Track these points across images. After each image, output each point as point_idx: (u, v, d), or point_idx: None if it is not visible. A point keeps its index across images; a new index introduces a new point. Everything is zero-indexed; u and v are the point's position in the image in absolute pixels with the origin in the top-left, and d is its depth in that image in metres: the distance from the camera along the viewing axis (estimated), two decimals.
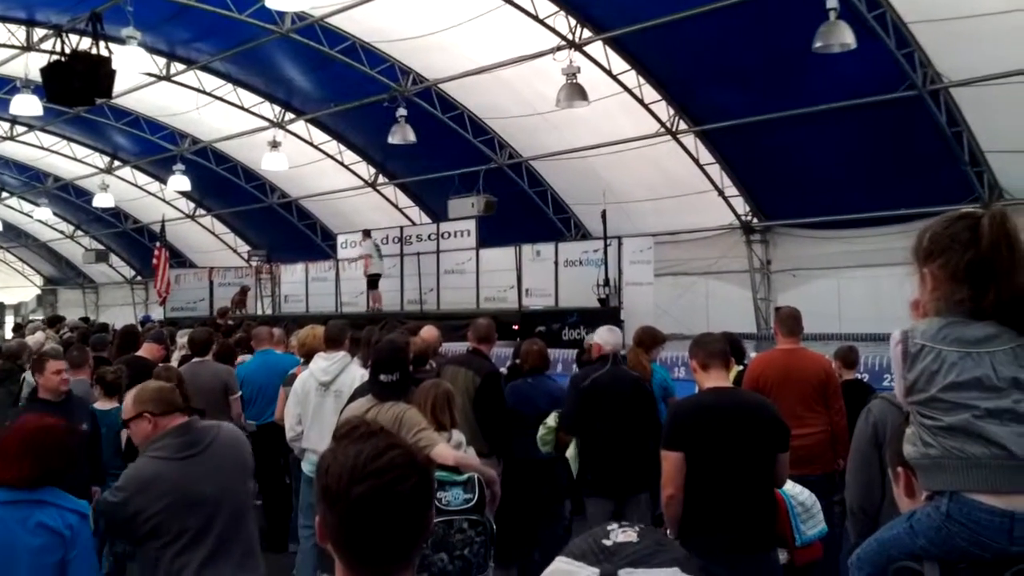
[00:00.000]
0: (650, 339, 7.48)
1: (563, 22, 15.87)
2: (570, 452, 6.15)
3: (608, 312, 15.68)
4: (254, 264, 25.93)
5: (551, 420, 6.36)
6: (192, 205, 29.36)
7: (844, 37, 12.46)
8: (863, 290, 15.74)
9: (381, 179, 23.90)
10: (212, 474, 3.77)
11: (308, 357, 7.31)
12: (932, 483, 2.32)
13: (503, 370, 7.89)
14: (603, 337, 6.46)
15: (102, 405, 6.48)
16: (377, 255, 19.04)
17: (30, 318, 32.73)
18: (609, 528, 1.31)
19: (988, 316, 2.32)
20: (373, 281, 18.95)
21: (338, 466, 1.61)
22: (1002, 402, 2.27)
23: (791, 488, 4.60)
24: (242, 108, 21.96)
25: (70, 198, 30.75)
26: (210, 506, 3.73)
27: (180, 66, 20.43)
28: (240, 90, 21.45)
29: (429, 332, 7.97)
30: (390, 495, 1.59)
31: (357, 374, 6.53)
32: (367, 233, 19.89)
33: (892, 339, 2.42)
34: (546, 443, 6.40)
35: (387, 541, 1.62)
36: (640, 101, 17.12)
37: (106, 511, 3.78)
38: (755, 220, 18.55)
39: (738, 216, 18.58)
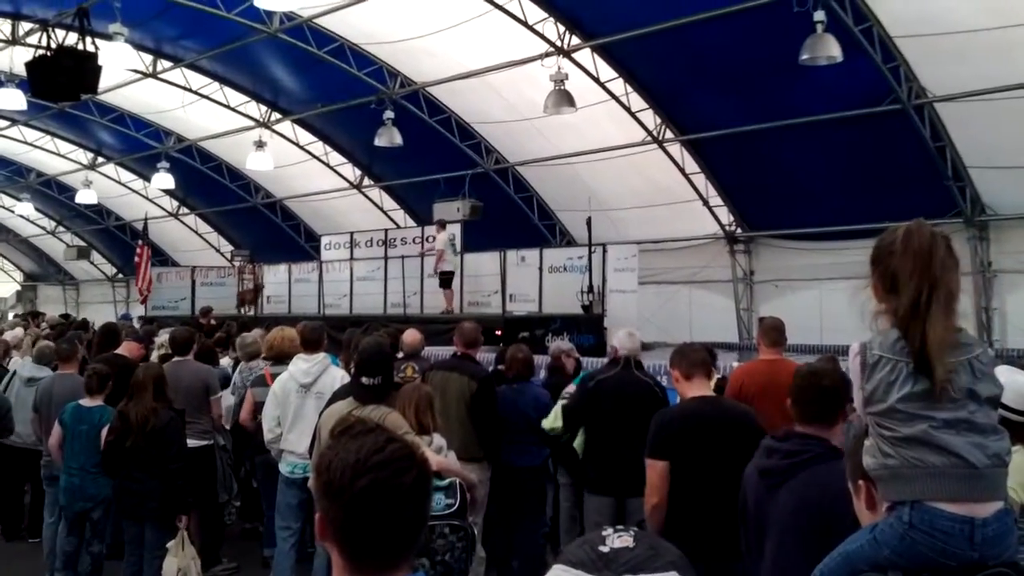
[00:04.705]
0: None
1: (552, 29, 15.90)
2: (577, 441, 6.34)
3: (591, 319, 15.69)
4: (237, 264, 25.76)
5: (558, 408, 6.58)
6: (176, 203, 29.22)
7: (831, 50, 12.54)
8: (845, 301, 15.71)
9: (367, 181, 23.86)
10: None
11: (277, 359, 7.27)
12: (893, 493, 2.35)
13: None
14: (620, 341, 6.50)
15: (86, 402, 6.44)
16: (452, 250, 17.41)
17: (9, 314, 32.45)
18: (604, 533, 1.32)
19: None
20: (446, 280, 17.30)
21: (340, 461, 1.63)
22: (958, 413, 2.31)
23: None
24: (228, 107, 21.87)
25: (52, 194, 30.54)
26: None
27: (166, 63, 20.34)
28: (226, 89, 21.37)
29: (412, 335, 7.96)
30: (393, 487, 1.62)
31: (337, 375, 6.52)
32: (442, 225, 17.81)
33: (851, 351, 2.47)
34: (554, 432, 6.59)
35: (389, 534, 1.64)
36: (627, 109, 17.17)
37: None
38: (739, 230, 18.63)
39: (722, 226, 18.66)
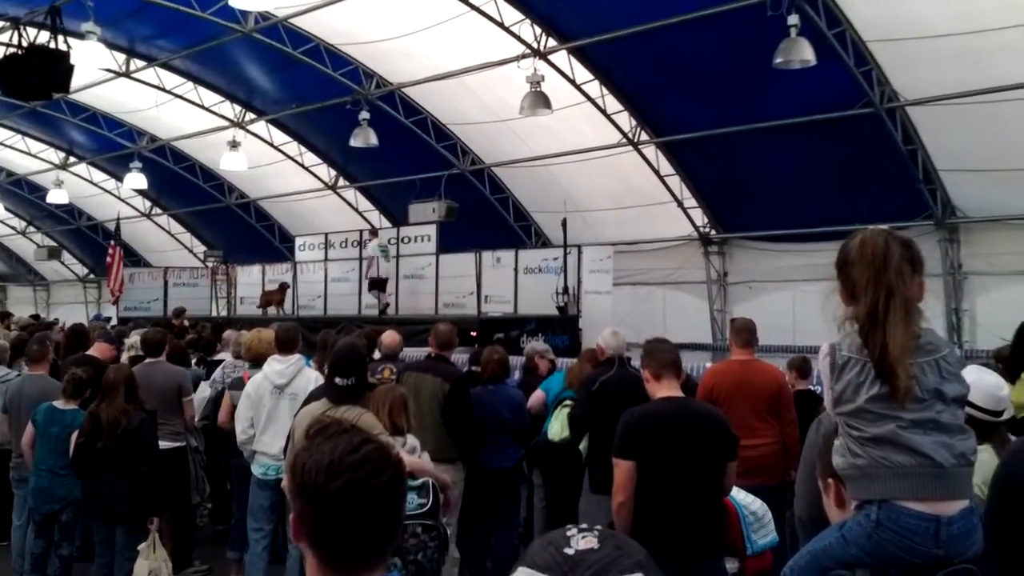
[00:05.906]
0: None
1: (528, 30, 15.91)
2: (582, 445, 6.35)
3: (567, 320, 15.73)
4: (210, 265, 25.59)
5: (562, 417, 6.65)
6: (148, 204, 28.93)
7: (804, 53, 12.63)
8: (817, 303, 15.79)
9: (341, 182, 23.75)
10: None
11: (254, 361, 7.23)
12: (861, 492, 2.39)
13: None
14: (605, 341, 6.52)
15: (60, 404, 6.37)
16: (383, 256, 18.24)
17: None
18: (568, 534, 1.30)
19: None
20: (379, 284, 18.17)
21: (314, 462, 1.63)
22: (925, 413, 2.35)
23: (743, 497, 4.65)
24: (202, 107, 21.70)
25: (23, 193, 30.16)
26: None
27: (140, 63, 20.16)
28: (200, 88, 21.20)
29: (391, 337, 7.93)
30: (367, 488, 1.61)
31: (312, 377, 6.50)
32: (374, 232, 19.28)
33: (820, 352, 2.51)
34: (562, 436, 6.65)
35: (363, 535, 1.63)
36: (603, 111, 17.21)
37: None
38: (713, 232, 18.73)
39: (696, 228, 18.74)
